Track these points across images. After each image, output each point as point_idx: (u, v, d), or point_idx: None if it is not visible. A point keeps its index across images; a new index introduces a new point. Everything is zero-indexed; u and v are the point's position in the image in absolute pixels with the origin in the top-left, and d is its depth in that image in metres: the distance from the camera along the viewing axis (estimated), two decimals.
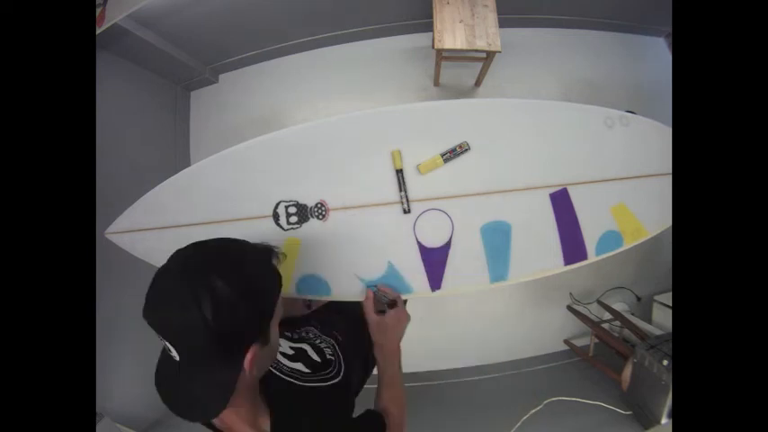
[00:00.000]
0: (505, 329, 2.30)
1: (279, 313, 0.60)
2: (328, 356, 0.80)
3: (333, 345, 0.85)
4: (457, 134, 1.01)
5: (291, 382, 0.67)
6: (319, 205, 0.99)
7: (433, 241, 0.98)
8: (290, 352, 0.76)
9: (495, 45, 1.93)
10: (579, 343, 2.18)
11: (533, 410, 1.70)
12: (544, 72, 2.45)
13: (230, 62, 2.49)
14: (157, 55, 2.10)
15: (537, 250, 0.99)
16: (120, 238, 1.01)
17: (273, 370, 0.68)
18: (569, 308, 2.23)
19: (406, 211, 0.98)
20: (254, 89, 2.51)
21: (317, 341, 0.83)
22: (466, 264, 0.98)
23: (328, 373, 0.75)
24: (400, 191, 0.98)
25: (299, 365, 0.73)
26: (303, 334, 0.86)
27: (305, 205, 0.99)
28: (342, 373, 0.77)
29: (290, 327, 0.87)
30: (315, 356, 0.78)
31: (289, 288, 0.98)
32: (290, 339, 0.82)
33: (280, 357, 0.72)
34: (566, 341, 2.24)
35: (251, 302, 0.53)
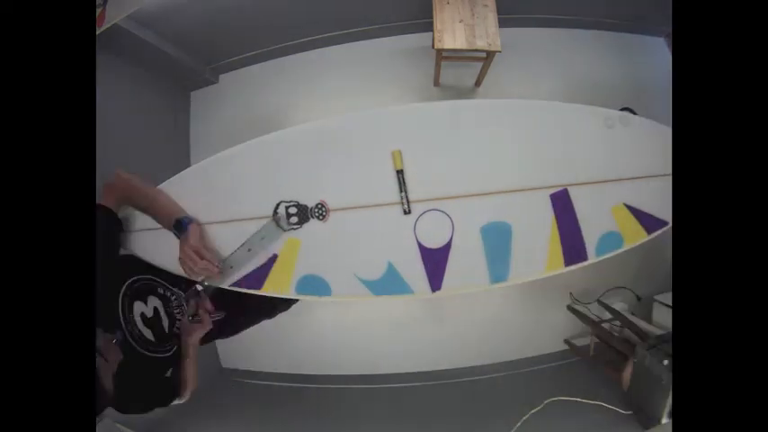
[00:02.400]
0: (505, 329, 2.30)
1: None
2: (175, 329, 0.93)
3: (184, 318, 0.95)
4: (457, 134, 1.01)
5: (134, 347, 0.82)
6: (319, 205, 0.99)
7: (434, 242, 0.98)
8: (150, 314, 0.90)
9: (495, 45, 1.93)
10: (579, 343, 2.18)
11: (533, 410, 1.69)
12: (544, 72, 2.45)
13: (230, 62, 2.49)
14: (157, 55, 2.10)
15: (537, 251, 0.99)
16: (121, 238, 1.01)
17: (126, 332, 0.81)
18: (569, 308, 2.23)
19: (407, 212, 0.98)
20: (254, 89, 2.51)
21: (176, 310, 0.96)
22: (466, 264, 0.98)
23: (165, 348, 0.90)
24: (401, 191, 0.98)
25: (148, 333, 0.87)
26: (172, 297, 0.97)
27: (305, 206, 0.99)
28: (174, 350, 0.92)
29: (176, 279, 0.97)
30: (165, 326, 0.92)
31: (288, 288, 0.98)
32: (161, 297, 0.93)
33: (138, 318, 0.85)
34: (566, 341, 2.24)
35: None
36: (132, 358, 0.80)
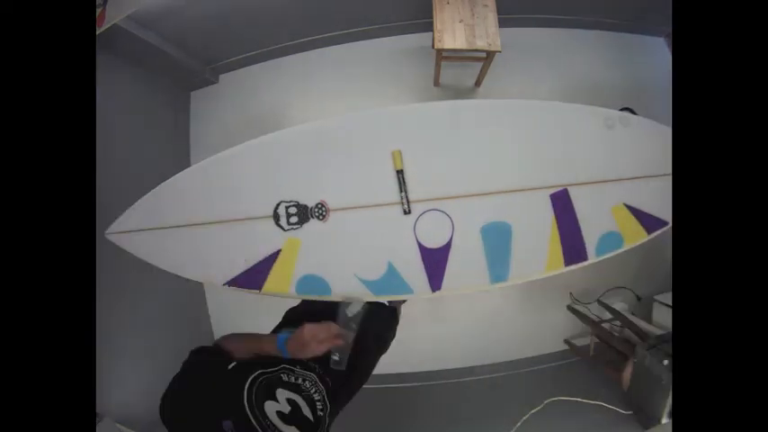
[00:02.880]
0: (505, 329, 2.30)
1: None
2: (318, 413, 0.79)
3: (324, 395, 0.82)
4: (457, 134, 1.01)
5: None
6: (319, 205, 0.99)
7: (434, 242, 0.98)
8: (287, 409, 0.74)
9: (495, 45, 1.93)
10: (579, 343, 2.18)
11: (533, 410, 1.70)
12: (544, 72, 2.45)
13: (230, 62, 2.49)
14: (157, 55, 2.10)
15: (537, 251, 0.99)
16: (121, 238, 1.01)
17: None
18: (569, 308, 2.23)
19: (407, 212, 0.98)
20: (254, 89, 2.51)
21: (312, 390, 0.81)
22: (466, 264, 0.98)
23: None
24: (400, 191, 0.98)
25: (292, 430, 0.71)
26: (301, 381, 0.82)
27: (305, 205, 0.99)
28: (326, 430, 0.79)
29: (294, 363, 0.84)
30: (308, 414, 0.77)
31: (288, 288, 0.98)
32: (289, 386, 0.79)
33: (274, 418, 0.70)
34: (566, 341, 2.24)
35: None
36: None
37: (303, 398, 0.78)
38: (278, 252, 0.99)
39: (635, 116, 1.03)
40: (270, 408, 0.71)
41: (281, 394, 0.76)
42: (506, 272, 0.98)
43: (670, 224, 0.99)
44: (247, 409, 0.68)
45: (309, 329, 0.81)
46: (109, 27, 1.60)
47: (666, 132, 1.01)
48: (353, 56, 2.47)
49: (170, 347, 2.09)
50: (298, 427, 0.72)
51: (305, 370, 0.83)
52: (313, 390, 0.81)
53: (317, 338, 0.80)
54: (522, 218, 0.99)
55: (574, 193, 0.99)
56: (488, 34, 1.94)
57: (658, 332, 1.75)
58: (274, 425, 0.69)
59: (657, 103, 2.24)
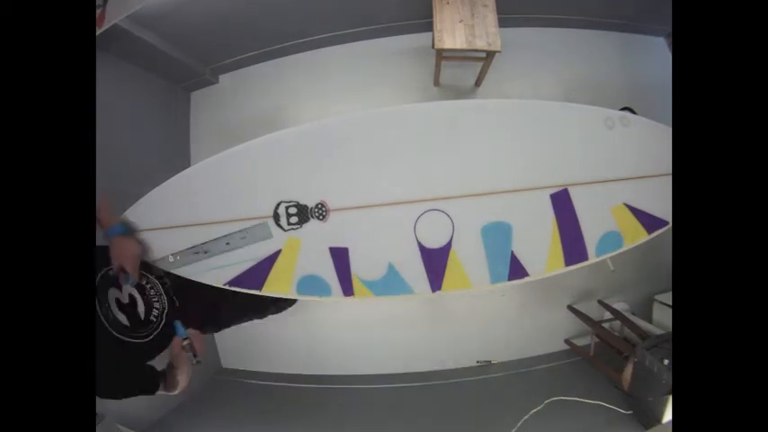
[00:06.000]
0: (505, 329, 2.30)
1: None
2: (152, 317, 0.93)
3: (163, 308, 0.96)
4: (457, 134, 1.01)
5: (109, 332, 0.83)
6: (320, 206, 0.99)
7: (434, 242, 0.98)
8: (125, 300, 0.90)
9: (495, 45, 1.93)
10: (580, 342, 2.18)
11: (533, 410, 1.70)
12: (544, 72, 2.45)
13: (230, 62, 2.49)
14: (157, 55, 2.10)
15: (537, 251, 0.99)
16: None
17: (101, 315, 0.82)
18: (570, 307, 2.23)
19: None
20: (254, 89, 2.51)
21: (154, 299, 0.96)
22: (466, 264, 0.98)
23: (142, 333, 0.90)
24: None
25: (122, 317, 0.87)
26: (149, 286, 0.97)
27: (305, 206, 0.99)
28: (152, 336, 0.92)
29: (149, 270, 0.99)
30: (141, 312, 0.92)
31: (289, 288, 0.98)
32: (136, 285, 0.93)
33: (112, 302, 0.86)
34: (566, 341, 2.24)
35: None
36: (106, 342, 0.81)
37: (144, 300, 0.93)
38: (278, 252, 0.99)
39: (635, 116, 1.03)
40: (112, 294, 0.87)
41: (127, 288, 0.91)
42: (506, 271, 0.98)
43: (670, 224, 0.99)
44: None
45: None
46: (109, 27, 1.60)
47: (666, 132, 1.01)
48: (353, 56, 2.47)
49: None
50: (127, 316, 0.88)
51: (156, 277, 0.99)
52: (155, 298, 0.96)
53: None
54: (523, 218, 0.99)
55: (574, 193, 0.99)
56: (488, 34, 1.94)
57: (658, 332, 1.75)
58: (109, 306, 0.85)
59: (657, 103, 2.23)
